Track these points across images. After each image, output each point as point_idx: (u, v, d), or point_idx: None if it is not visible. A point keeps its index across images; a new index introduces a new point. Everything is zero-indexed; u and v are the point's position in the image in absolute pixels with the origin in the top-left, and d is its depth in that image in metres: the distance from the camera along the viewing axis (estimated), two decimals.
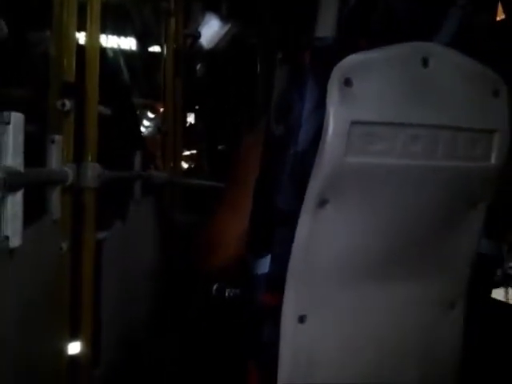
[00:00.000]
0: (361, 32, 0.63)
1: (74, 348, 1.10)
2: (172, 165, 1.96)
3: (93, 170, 1.15)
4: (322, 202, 0.62)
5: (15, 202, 0.61)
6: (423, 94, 0.62)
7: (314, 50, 0.59)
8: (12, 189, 0.59)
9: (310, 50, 0.59)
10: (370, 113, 0.59)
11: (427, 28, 0.66)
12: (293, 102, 0.60)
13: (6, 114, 0.60)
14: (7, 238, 0.60)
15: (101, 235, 1.21)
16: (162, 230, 1.64)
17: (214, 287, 0.70)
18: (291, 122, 0.60)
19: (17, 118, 0.60)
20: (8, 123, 0.59)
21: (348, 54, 0.58)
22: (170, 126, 1.92)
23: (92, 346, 1.13)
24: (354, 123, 0.58)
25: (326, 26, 0.59)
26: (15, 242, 0.62)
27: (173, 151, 1.96)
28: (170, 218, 1.82)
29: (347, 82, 0.57)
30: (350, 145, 0.59)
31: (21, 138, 0.62)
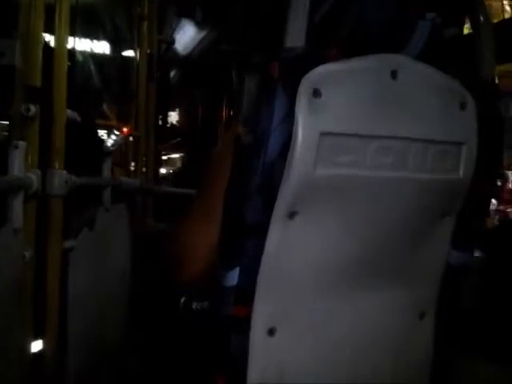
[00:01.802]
0: (331, 42, 0.63)
1: (39, 357, 1.07)
2: (145, 171, 1.93)
3: (60, 177, 1.11)
4: (292, 214, 0.61)
5: None
6: (392, 106, 0.62)
7: (283, 60, 0.59)
8: None
9: (278, 60, 0.58)
10: (339, 124, 0.59)
11: (397, 40, 0.66)
12: (262, 112, 0.59)
13: None
14: None
15: (68, 244, 1.18)
16: (133, 238, 1.60)
17: (182, 300, 0.69)
18: (260, 133, 0.59)
19: None
20: None
21: (317, 65, 0.57)
22: (142, 131, 1.89)
23: (58, 354, 1.10)
24: (323, 134, 0.58)
25: (295, 36, 0.59)
26: None
27: (145, 157, 1.93)
28: (141, 226, 1.78)
29: (316, 93, 0.56)
30: (320, 156, 0.58)
31: None
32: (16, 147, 0.90)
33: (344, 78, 0.59)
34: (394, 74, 0.61)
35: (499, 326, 1.35)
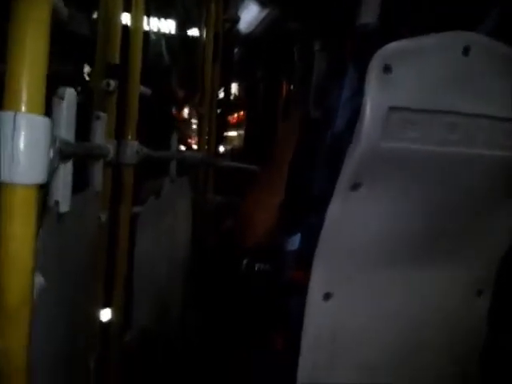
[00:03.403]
0: (403, 19, 0.64)
1: (107, 312, 1.17)
2: (206, 146, 2.00)
3: (131, 147, 1.20)
4: (355, 185, 0.63)
5: (66, 170, 0.66)
6: (463, 83, 0.63)
7: (357, 35, 0.60)
8: (65, 158, 0.64)
9: (352, 35, 0.60)
10: (408, 99, 0.60)
11: (470, 17, 0.66)
12: (332, 86, 0.61)
13: (61, 89, 0.64)
14: (57, 203, 0.65)
15: (136, 209, 1.27)
16: (195, 208, 1.69)
17: (244, 262, 0.74)
18: (329, 105, 0.62)
19: (70, 93, 0.65)
20: (62, 98, 0.64)
21: (389, 41, 0.59)
22: (206, 108, 1.95)
23: (124, 311, 1.19)
24: (392, 109, 0.59)
25: (369, 13, 0.60)
26: (64, 207, 0.66)
27: (208, 133, 2.00)
28: (202, 198, 1.87)
29: (386, 69, 0.58)
30: (387, 130, 0.60)
31: (73, 112, 0.66)
32: (98, 118, 0.98)
33: (415, 55, 0.60)
34: (465, 51, 0.61)
35: None
